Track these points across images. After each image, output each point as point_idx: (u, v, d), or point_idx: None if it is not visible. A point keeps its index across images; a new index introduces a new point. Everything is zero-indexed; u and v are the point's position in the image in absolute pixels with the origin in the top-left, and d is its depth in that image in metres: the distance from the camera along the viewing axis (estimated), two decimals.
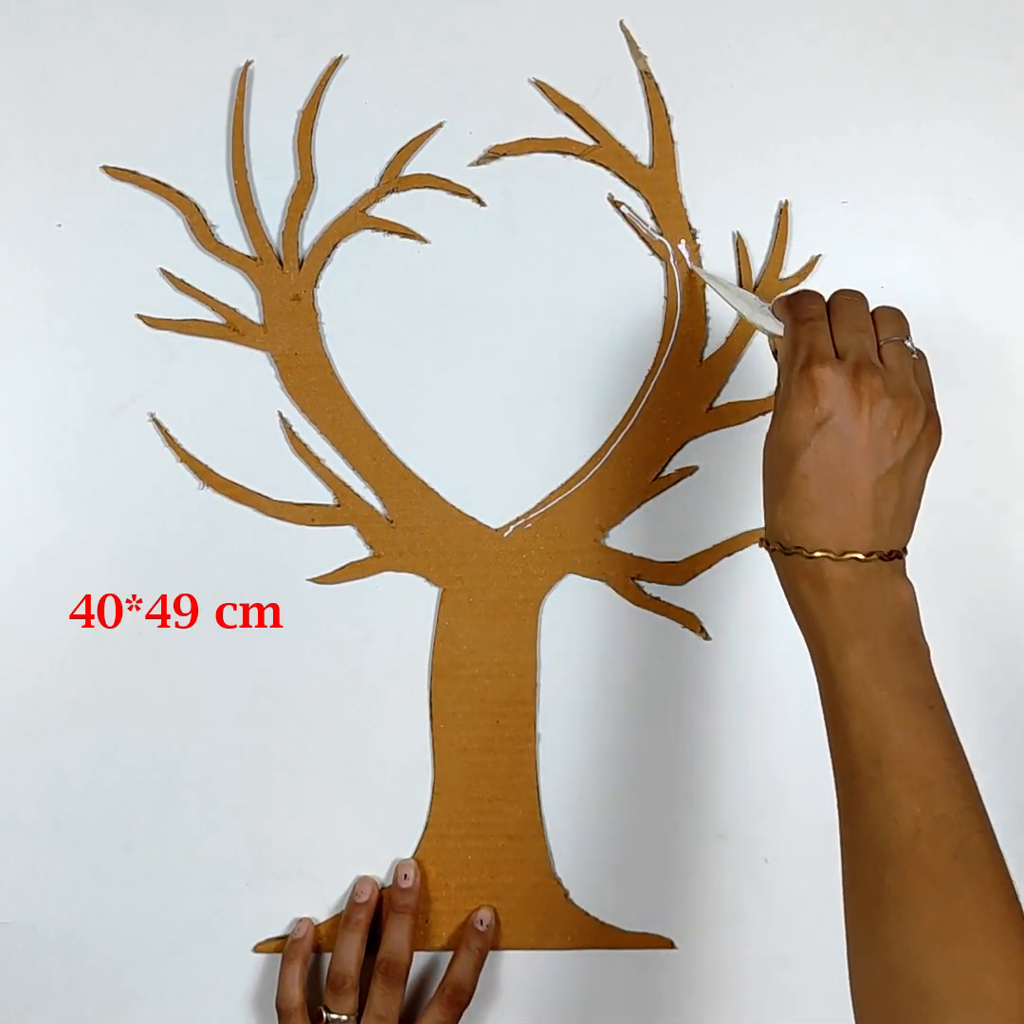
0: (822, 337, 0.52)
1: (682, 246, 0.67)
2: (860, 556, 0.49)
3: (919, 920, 0.44)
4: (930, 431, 0.51)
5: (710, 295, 0.67)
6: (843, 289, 0.54)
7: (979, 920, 0.44)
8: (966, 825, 0.46)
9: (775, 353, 0.56)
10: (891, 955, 0.44)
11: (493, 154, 0.67)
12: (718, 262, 0.67)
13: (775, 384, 0.54)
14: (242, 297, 0.67)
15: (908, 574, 0.51)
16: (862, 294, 0.54)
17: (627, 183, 0.67)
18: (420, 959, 0.68)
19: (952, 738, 0.48)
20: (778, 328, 0.55)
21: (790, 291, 0.56)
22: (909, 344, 0.53)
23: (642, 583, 0.67)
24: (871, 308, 0.54)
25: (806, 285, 0.67)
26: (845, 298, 0.54)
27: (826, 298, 0.54)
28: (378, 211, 0.67)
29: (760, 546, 0.53)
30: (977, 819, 0.46)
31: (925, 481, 0.52)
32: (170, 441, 0.67)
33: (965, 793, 0.46)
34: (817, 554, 0.49)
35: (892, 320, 0.53)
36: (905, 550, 0.51)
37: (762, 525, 0.67)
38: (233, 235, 0.67)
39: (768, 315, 0.57)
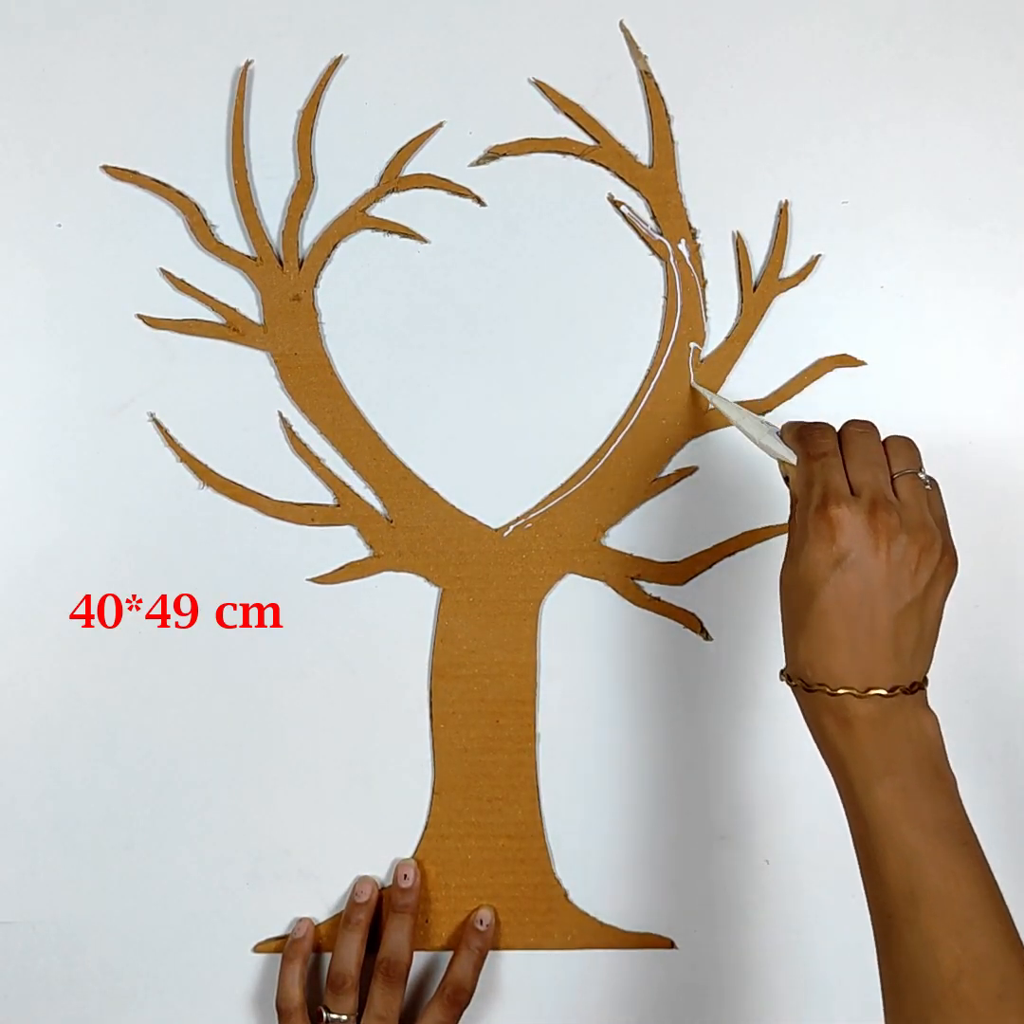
0: (836, 474, 0.52)
1: (682, 246, 0.67)
2: (883, 691, 0.50)
3: None
4: (946, 563, 0.51)
5: (711, 296, 0.67)
6: (854, 421, 0.55)
7: None
8: (1006, 963, 0.46)
9: (786, 479, 0.57)
10: None
11: (493, 154, 0.67)
12: (718, 262, 0.67)
13: (789, 517, 0.54)
14: (242, 297, 0.67)
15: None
16: (873, 425, 0.55)
17: (627, 183, 0.67)
18: (420, 959, 0.68)
19: (986, 872, 0.48)
20: (787, 454, 0.56)
21: (798, 422, 0.56)
22: (922, 476, 0.53)
23: (642, 583, 0.67)
24: (883, 437, 0.54)
25: (806, 284, 0.67)
26: (857, 431, 0.54)
27: (836, 430, 0.55)
28: (378, 211, 0.67)
29: (781, 680, 0.53)
30: (1017, 956, 0.47)
31: (942, 610, 0.52)
32: (170, 441, 0.67)
33: (1004, 930, 0.47)
34: (840, 691, 0.50)
35: (904, 451, 0.54)
36: (926, 680, 0.52)
37: (760, 525, 0.67)
38: (233, 235, 0.67)
39: (776, 439, 0.57)
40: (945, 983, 0.46)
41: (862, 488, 0.51)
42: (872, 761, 0.49)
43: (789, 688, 0.53)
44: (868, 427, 0.55)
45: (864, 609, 0.50)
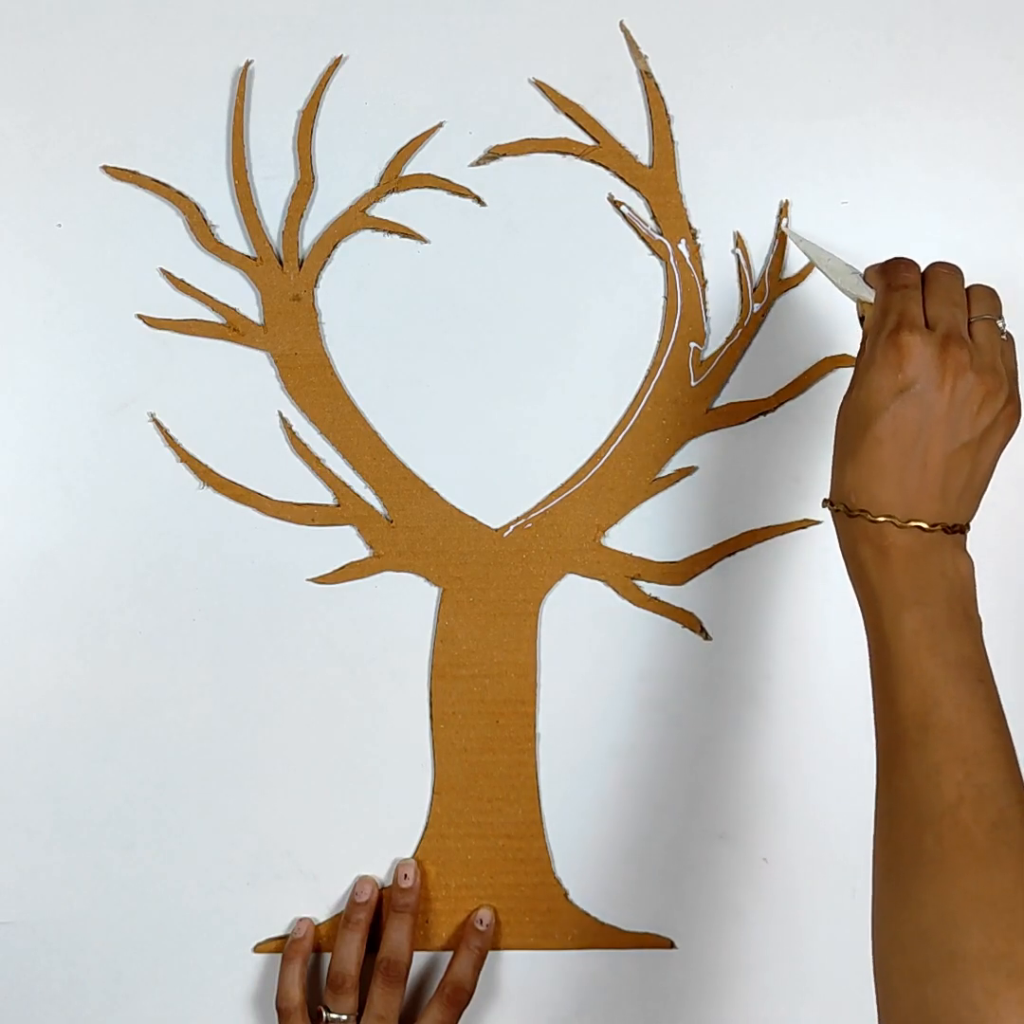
0: (914, 305, 0.52)
1: (682, 246, 0.67)
2: (924, 525, 0.50)
3: (955, 884, 0.45)
4: (1010, 412, 0.51)
5: (711, 294, 0.67)
6: (940, 261, 0.54)
7: (1015, 888, 0.44)
8: (1006, 796, 0.46)
9: (862, 320, 0.56)
10: (923, 916, 0.45)
11: (493, 154, 0.67)
12: (718, 262, 0.67)
13: (859, 348, 0.54)
14: (242, 297, 0.67)
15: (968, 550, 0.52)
16: (959, 268, 0.54)
17: (627, 183, 0.67)
18: (420, 959, 0.68)
19: (999, 712, 0.48)
20: (869, 295, 0.55)
21: (886, 260, 0.56)
22: (1001, 324, 0.53)
23: (642, 583, 0.67)
24: (967, 284, 0.54)
25: (806, 284, 0.67)
26: (941, 270, 0.54)
27: (922, 268, 0.54)
28: (378, 211, 0.67)
29: (823, 506, 0.53)
30: (1018, 792, 0.47)
31: (997, 460, 0.52)
32: (170, 441, 0.67)
33: (1008, 766, 0.47)
34: (881, 519, 0.50)
35: (986, 298, 0.53)
36: (968, 526, 0.52)
37: (761, 525, 0.67)
38: (233, 235, 0.67)
39: (859, 281, 0.57)
40: (944, 807, 0.46)
41: (937, 322, 0.51)
42: (903, 590, 0.49)
43: (830, 514, 0.53)
44: (952, 269, 0.54)
45: (919, 441, 0.49)
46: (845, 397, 0.53)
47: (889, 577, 0.50)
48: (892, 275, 0.54)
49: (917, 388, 0.49)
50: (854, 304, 0.58)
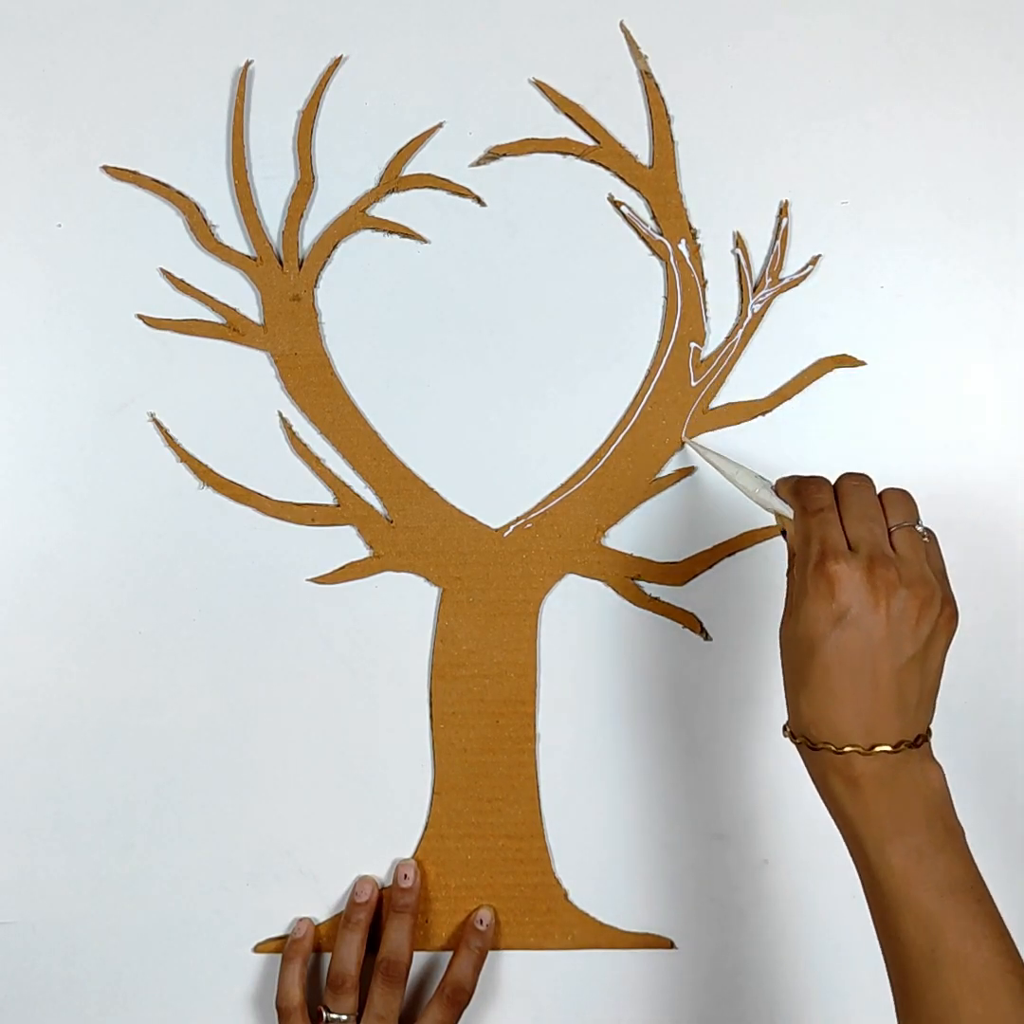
0: (834, 530, 0.52)
1: (682, 246, 0.67)
2: (889, 748, 0.50)
3: None
4: (947, 615, 0.51)
5: (711, 294, 0.67)
6: (849, 475, 0.55)
7: None
8: None
9: (783, 533, 0.57)
10: None
11: (493, 154, 0.67)
12: (718, 262, 0.67)
13: (786, 568, 0.54)
14: (242, 297, 0.67)
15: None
16: (869, 478, 0.55)
17: (627, 183, 0.67)
18: (420, 959, 0.68)
19: (1002, 930, 0.49)
20: (784, 509, 0.56)
21: (794, 476, 0.56)
22: (919, 528, 0.53)
23: (642, 583, 0.67)
24: (879, 489, 0.54)
25: (805, 284, 0.67)
26: (852, 485, 0.54)
27: (832, 484, 0.55)
28: (378, 211, 0.67)
29: (785, 736, 0.54)
30: None
31: (944, 662, 0.52)
32: (170, 441, 0.67)
33: (1022, 985, 0.47)
34: (846, 749, 0.50)
35: (901, 504, 0.54)
36: (929, 731, 0.52)
37: (760, 525, 0.67)
38: (233, 235, 0.67)
39: (771, 494, 0.57)
40: None
41: (859, 543, 0.51)
42: (882, 822, 0.49)
43: (794, 745, 0.53)
44: (863, 480, 0.54)
45: (866, 665, 0.49)
46: (782, 626, 0.53)
47: (865, 809, 0.50)
48: (806, 498, 0.54)
49: (853, 613, 0.50)
50: (773, 516, 0.58)
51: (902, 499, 0.54)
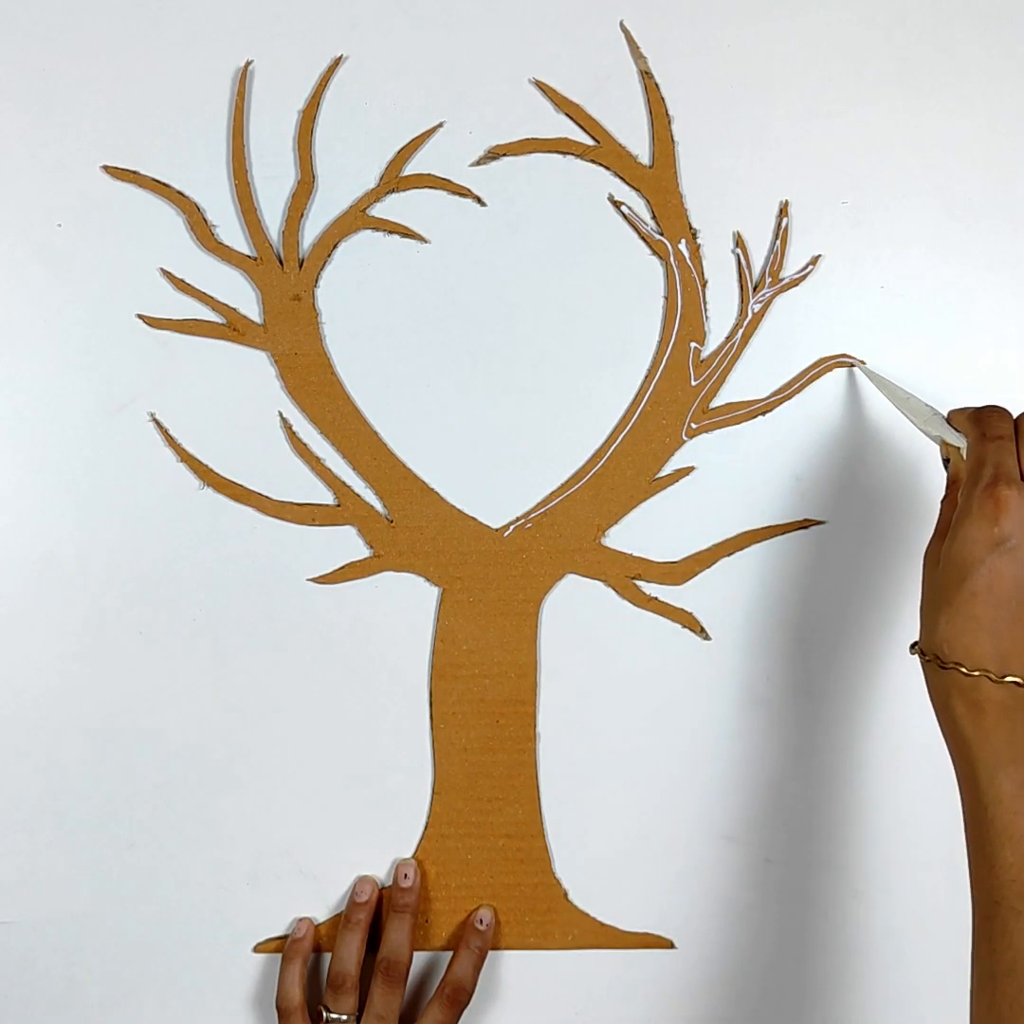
0: (1010, 458, 0.52)
1: (682, 246, 0.67)
2: (1020, 680, 0.50)
3: None
4: None
5: (711, 294, 0.67)
6: None
7: None
8: None
9: (946, 462, 0.57)
10: None
11: (493, 154, 0.67)
12: (718, 262, 0.67)
13: (943, 495, 0.54)
14: (242, 297, 0.67)
15: None
16: None
17: (627, 183, 0.67)
18: (420, 959, 0.68)
19: None
20: (955, 438, 0.56)
21: (973, 407, 0.56)
22: None
23: (642, 583, 0.67)
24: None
25: (806, 284, 0.67)
26: None
27: (1014, 416, 0.55)
28: (378, 211, 0.67)
29: (912, 652, 0.53)
30: None
31: None
32: (170, 441, 0.67)
33: None
34: (976, 673, 0.50)
35: None
36: None
37: (760, 525, 0.67)
38: (233, 235, 0.67)
39: (944, 424, 0.57)
40: None
41: None
42: (999, 748, 0.49)
43: (920, 663, 0.53)
44: None
45: (1015, 596, 0.50)
46: (932, 544, 0.53)
47: (984, 734, 0.50)
48: (986, 425, 0.54)
49: (1013, 542, 0.50)
50: (939, 447, 0.58)
51: None
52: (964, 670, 0.50)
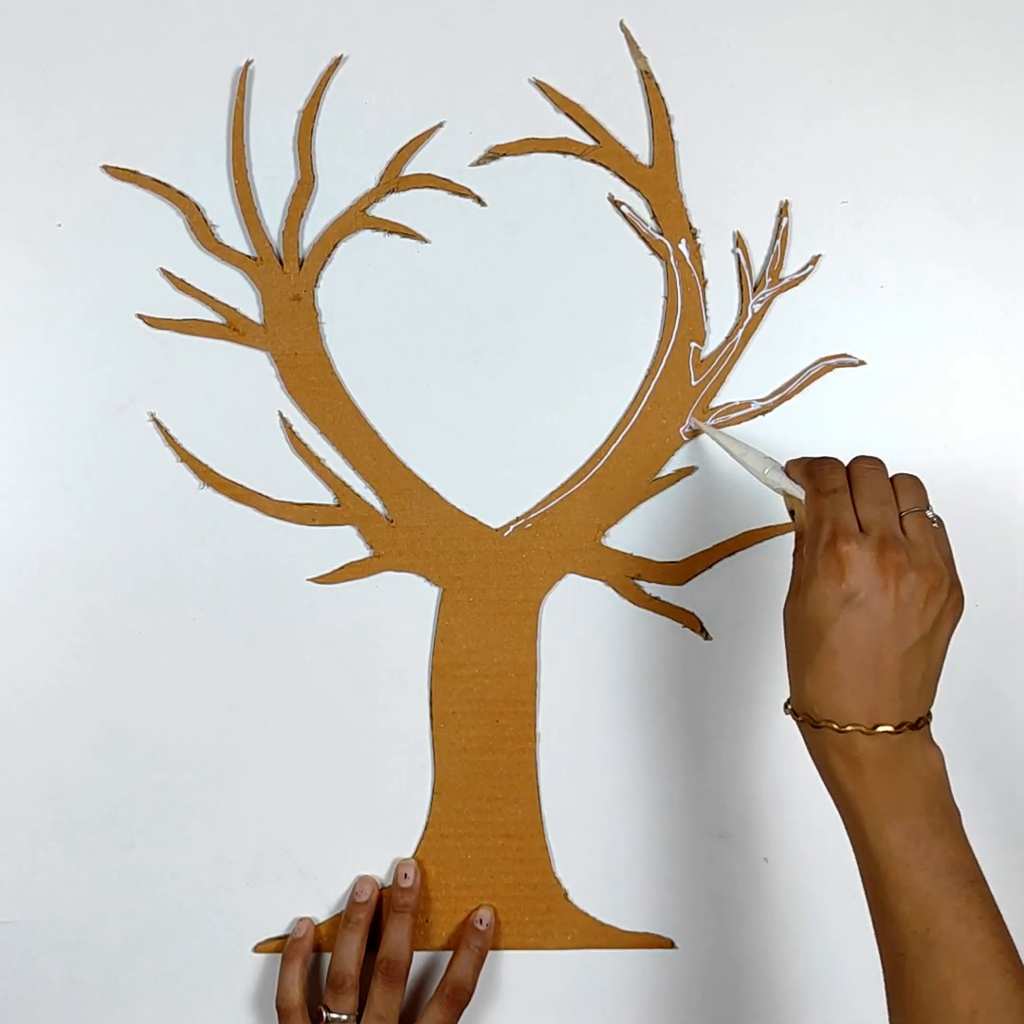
0: (845, 511, 0.52)
1: (682, 245, 0.67)
2: (890, 728, 0.50)
3: None
4: (954, 600, 0.52)
5: (711, 296, 0.67)
6: (862, 457, 0.55)
7: None
8: (1019, 1002, 0.47)
9: (792, 513, 0.57)
10: None
11: (493, 154, 0.67)
12: (718, 262, 0.67)
13: (794, 550, 0.55)
14: (242, 297, 0.67)
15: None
16: (882, 462, 0.55)
17: (627, 183, 0.67)
18: (420, 958, 0.68)
19: (995, 911, 0.49)
20: (794, 489, 0.56)
21: (806, 457, 0.57)
22: (930, 514, 0.53)
23: (642, 583, 0.67)
24: (890, 474, 0.55)
25: (806, 284, 0.67)
26: (866, 467, 0.54)
27: (845, 466, 0.55)
28: (378, 211, 0.67)
29: (786, 713, 0.54)
30: None
31: (948, 646, 0.52)
32: (170, 441, 0.67)
33: (1015, 971, 0.48)
34: (848, 728, 0.50)
35: (912, 489, 0.54)
36: (930, 715, 0.52)
37: (760, 525, 0.67)
38: (233, 235, 0.67)
39: (782, 475, 0.57)
40: (961, 1023, 0.47)
41: (871, 525, 0.51)
42: (881, 803, 0.50)
43: (795, 723, 0.53)
44: (876, 464, 0.55)
45: (872, 648, 0.50)
46: (788, 604, 0.54)
47: (864, 789, 0.50)
48: (819, 479, 0.54)
49: (862, 596, 0.50)
50: (782, 498, 0.58)
51: (913, 485, 0.54)
52: (836, 727, 0.50)
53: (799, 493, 0.56)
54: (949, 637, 0.52)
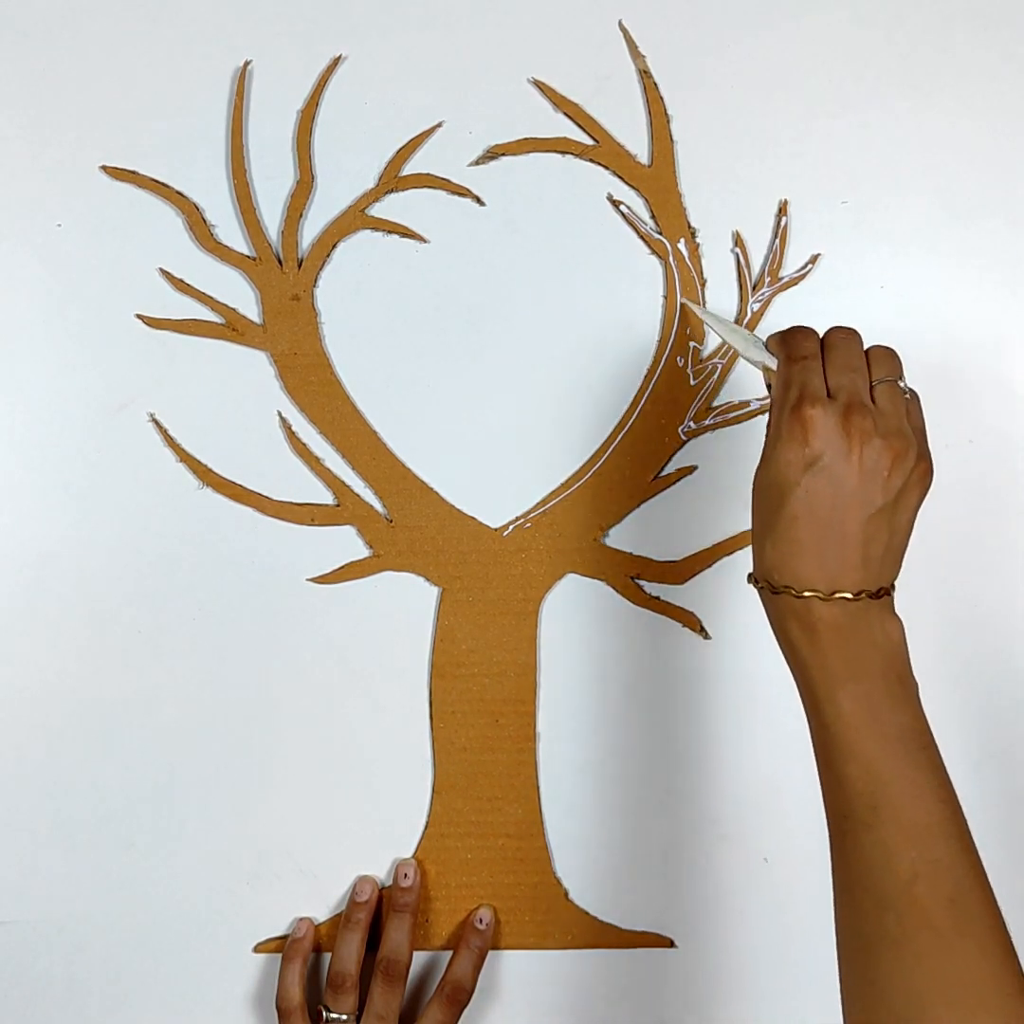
0: (815, 377, 0.52)
1: (681, 245, 0.67)
2: (849, 595, 0.50)
3: (919, 963, 0.45)
4: (921, 471, 0.51)
5: (710, 296, 0.67)
6: (838, 327, 0.54)
7: (977, 964, 0.45)
8: (961, 868, 0.46)
9: (769, 387, 0.56)
10: (891, 997, 0.45)
11: (493, 154, 0.67)
12: (718, 261, 0.67)
13: (767, 420, 0.54)
14: (242, 297, 0.67)
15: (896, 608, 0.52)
16: (857, 332, 0.54)
17: (626, 182, 0.67)
18: (420, 958, 0.68)
19: (945, 779, 0.48)
20: (770, 360, 0.56)
21: (785, 328, 0.56)
22: (902, 384, 0.53)
23: (642, 583, 0.67)
24: (866, 346, 0.54)
25: (805, 284, 0.67)
26: (840, 337, 0.54)
27: (820, 335, 0.54)
28: (378, 211, 0.67)
29: (749, 582, 0.53)
30: (970, 861, 0.47)
31: (914, 519, 0.52)
32: (170, 441, 0.67)
33: (959, 835, 0.47)
34: (806, 594, 0.50)
35: (886, 360, 0.53)
36: (893, 586, 0.52)
37: None
38: (233, 235, 0.67)
39: (762, 350, 0.57)
40: (900, 885, 0.46)
41: (839, 391, 0.51)
42: (836, 667, 0.49)
43: (757, 591, 0.52)
44: (851, 333, 0.54)
45: (834, 514, 0.49)
46: (756, 473, 0.53)
47: (820, 654, 0.50)
48: (791, 346, 0.54)
49: (825, 461, 0.49)
50: (762, 373, 0.58)
51: (887, 356, 0.54)
52: (794, 592, 0.50)
53: (774, 364, 0.55)
54: (916, 508, 0.52)
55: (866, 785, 0.48)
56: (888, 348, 0.54)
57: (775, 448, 0.51)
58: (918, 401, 0.54)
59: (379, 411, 0.67)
